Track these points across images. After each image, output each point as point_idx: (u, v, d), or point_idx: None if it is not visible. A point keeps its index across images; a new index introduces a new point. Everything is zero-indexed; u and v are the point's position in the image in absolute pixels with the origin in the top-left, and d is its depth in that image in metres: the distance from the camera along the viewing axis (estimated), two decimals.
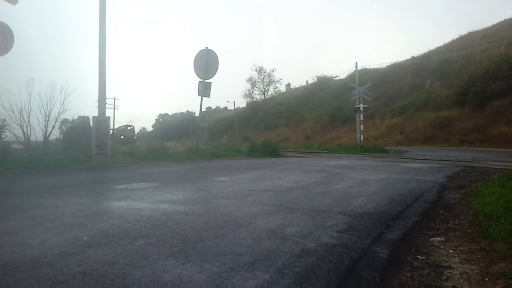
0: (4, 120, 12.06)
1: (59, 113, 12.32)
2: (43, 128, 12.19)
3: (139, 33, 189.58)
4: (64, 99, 12.18)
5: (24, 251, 3.02)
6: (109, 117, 14.82)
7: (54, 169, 10.49)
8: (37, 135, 12.43)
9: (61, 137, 21.20)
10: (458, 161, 13.50)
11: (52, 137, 13.32)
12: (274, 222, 4.08)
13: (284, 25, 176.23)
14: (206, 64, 16.44)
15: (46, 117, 12.07)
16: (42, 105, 11.97)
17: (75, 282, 2.45)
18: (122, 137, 50.32)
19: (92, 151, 12.45)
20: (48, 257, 2.89)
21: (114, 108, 56.20)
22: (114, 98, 55.74)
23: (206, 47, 16.57)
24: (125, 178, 8.51)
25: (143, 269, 2.66)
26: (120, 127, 55.58)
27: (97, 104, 13.73)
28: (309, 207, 4.92)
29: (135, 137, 56.40)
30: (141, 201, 5.34)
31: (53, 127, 12.56)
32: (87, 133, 14.18)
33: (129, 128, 55.64)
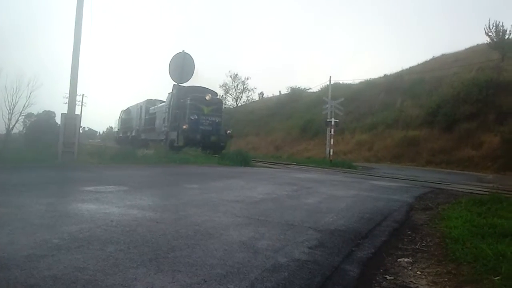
0: None
1: (24, 106, 12.06)
2: (6, 121, 11.87)
3: (114, 31, 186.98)
4: (30, 93, 11.93)
5: None
6: (79, 115, 14.54)
7: (18, 165, 10.20)
8: None
9: (24, 131, 20.67)
10: (425, 181, 13.77)
11: (15, 130, 13.01)
12: (245, 235, 4.08)
13: (260, 34, 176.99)
14: (182, 67, 16.27)
15: (10, 110, 11.76)
16: (7, 97, 11.69)
17: (46, 286, 2.39)
18: (184, 127, 21.54)
19: (58, 148, 12.17)
20: (17, 259, 2.81)
21: (82, 105, 54.47)
22: (83, 95, 54.26)
23: (183, 50, 16.40)
24: (93, 180, 8.35)
25: (115, 276, 2.62)
26: (171, 93, 21.62)
27: (64, 99, 13.61)
28: (280, 221, 4.93)
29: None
30: (110, 205, 5.24)
31: (17, 120, 12.28)
32: (52, 129, 13.79)
33: (207, 97, 23.11)
